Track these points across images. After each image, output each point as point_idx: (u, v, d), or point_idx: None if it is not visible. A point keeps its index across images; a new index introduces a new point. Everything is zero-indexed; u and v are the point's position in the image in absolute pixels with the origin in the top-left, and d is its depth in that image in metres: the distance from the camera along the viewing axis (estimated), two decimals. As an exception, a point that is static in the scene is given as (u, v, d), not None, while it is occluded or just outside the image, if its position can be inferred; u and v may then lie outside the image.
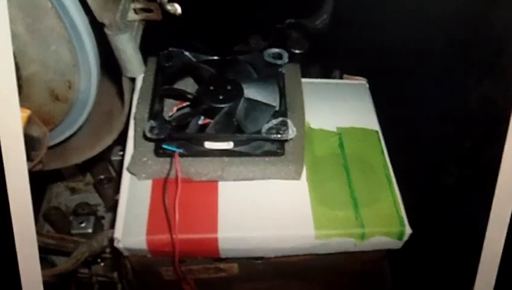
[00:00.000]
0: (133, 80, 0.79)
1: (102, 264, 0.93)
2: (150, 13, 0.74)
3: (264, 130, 0.67)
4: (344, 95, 0.85)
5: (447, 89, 0.80)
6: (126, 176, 0.70)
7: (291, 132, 0.67)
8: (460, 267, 0.70)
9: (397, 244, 0.69)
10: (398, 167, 0.74)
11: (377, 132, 0.79)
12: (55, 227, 0.97)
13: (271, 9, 0.95)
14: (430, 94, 0.83)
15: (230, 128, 0.69)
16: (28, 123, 0.66)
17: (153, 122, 0.66)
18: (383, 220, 0.68)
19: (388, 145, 0.77)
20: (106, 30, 0.69)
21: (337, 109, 0.82)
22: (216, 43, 0.91)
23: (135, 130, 0.72)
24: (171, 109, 0.73)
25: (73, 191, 1.09)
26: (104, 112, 0.84)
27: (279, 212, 0.67)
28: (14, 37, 0.56)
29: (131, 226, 0.65)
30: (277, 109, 0.71)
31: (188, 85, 0.77)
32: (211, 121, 0.69)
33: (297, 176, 0.70)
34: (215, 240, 0.65)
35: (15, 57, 0.60)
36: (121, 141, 0.80)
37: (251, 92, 0.71)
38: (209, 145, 0.68)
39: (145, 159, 0.68)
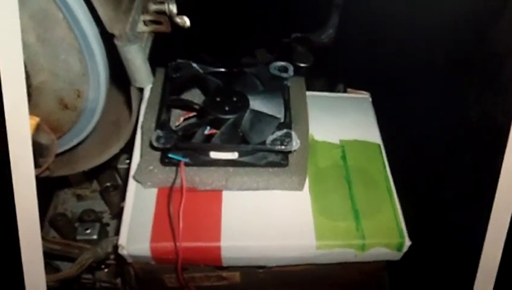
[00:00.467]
0: (141, 90, 0.80)
1: (106, 270, 0.92)
2: (159, 25, 0.75)
3: (268, 141, 0.67)
4: (347, 109, 0.85)
5: (447, 104, 0.81)
6: (132, 184, 0.71)
7: (295, 143, 0.67)
8: (458, 279, 0.70)
9: (396, 255, 0.70)
10: (399, 180, 0.74)
11: (379, 145, 0.79)
12: (61, 233, 0.97)
13: (277, 24, 0.96)
14: (431, 109, 0.84)
15: (235, 139, 0.69)
16: (37, 130, 0.66)
17: (159, 132, 0.67)
18: (383, 232, 0.68)
19: (390, 158, 0.78)
20: (116, 41, 0.69)
21: (341, 122, 0.82)
22: (223, 55, 0.92)
23: (142, 139, 0.73)
24: (178, 119, 0.74)
25: (79, 197, 1.09)
26: (111, 121, 0.84)
27: (281, 222, 0.68)
28: (25, 46, 0.57)
29: (136, 233, 0.66)
30: (282, 121, 0.71)
31: (195, 96, 0.78)
32: (217, 131, 0.69)
33: (300, 187, 0.71)
34: (218, 248, 0.65)
35: (25, 66, 0.59)
36: (127, 149, 0.81)
37: (256, 104, 0.72)
38: (214, 155, 0.69)
39: (151, 167, 0.69)
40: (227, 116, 0.70)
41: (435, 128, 0.85)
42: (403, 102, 0.91)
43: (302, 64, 0.93)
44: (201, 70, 0.76)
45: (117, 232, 0.67)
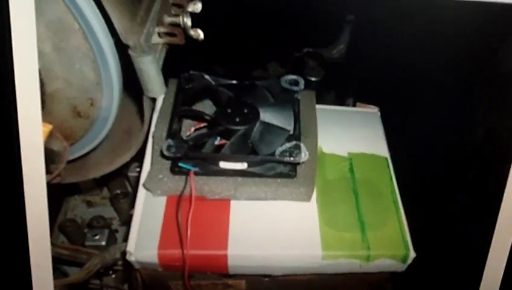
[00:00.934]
0: (153, 100, 0.80)
1: (113, 276, 0.93)
2: (173, 37, 0.76)
3: (277, 152, 0.68)
4: (356, 122, 0.86)
5: (455, 119, 0.81)
6: (142, 192, 0.71)
7: (304, 155, 0.68)
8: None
9: (401, 267, 0.70)
10: (406, 193, 0.75)
11: (386, 158, 0.80)
12: (70, 238, 0.98)
13: (290, 38, 0.97)
14: (439, 124, 0.84)
15: (245, 149, 0.70)
16: (49, 137, 0.66)
17: (170, 141, 0.67)
18: (388, 244, 0.69)
19: (397, 171, 0.78)
20: (130, 52, 0.71)
21: (349, 135, 0.83)
22: (235, 68, 0.93)
23: (153, 148, 0.73)
24: (189, 129, 0.75)
25: (89, 204, 1.10)
26: (123, 130, 0.85)
27: (288, 232, 0.68)
28: (41, 54, 0.58)
29: (144, 240, 0.66)
30: (291, 133, 0.72)
31: (206, 107, 0.78)
32: (227, 142, 0.70)
33: (307, 198, 0.72)
34: (225, 256, 0.66)
35: (40, 74, 0.61)
36: (138, 157, 0.81)
37: (267, 116, 0.73)
38: (223, 165, 0.69)
39: (161, 176, 0.70)
40: (238, 127, 0.70)
41: (441, 143, 0.85)
42: (411, 117, 0.92)
43: (312, 78, 0.94)
44: (213, 82, 0.77)
45: (125, 238, 0.67)
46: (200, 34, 0.71)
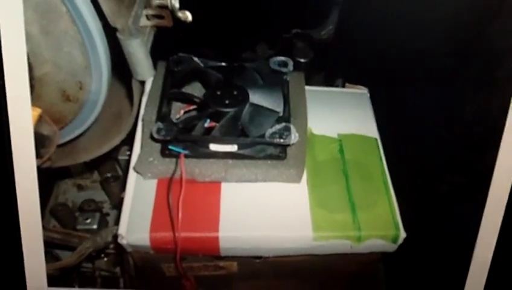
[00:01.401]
0: (142, 83, 0.80)
1: (105, 259, 0.93)
2: (161, 20, 0.76)
3: (267, 134, 0.68)
4: (346, 103, 0.86)
5: (444, 99, 0.82)
6: (132, 175, 0.71)
7: (294, 137, 0.68)
8: (452, 271, 0.71)
9: (392, 247, 0.70)
10: (395, 174, 0.75)
11: (376, 139, 0.80)
12: (61, 222, 0.98)
13: (278, 20, 0.97)
14: (428, 104, 0.84)
15: (235, 131, 0.70)
16: (39, 122, 0.66)
17: (160, 124, 0.67)
18: (378, 224, 0.69)
19: (386, 152, 0.78)
20: (118, 35, 0.70)
21: (339, 116, 0.83)
22: (224, 50, 0.92)
23: (143, 131, 0.73)
24: (179, 111, 0.75)
25: (80, 188, 1.09)
26: (113, 113, 0.85)
27: (279, 213, 0.69)
28: (28, 38, 0.57)
29: (135, 223, 0.66)
30: (281, 114, 0.72)
31: (195, 89, 0.78)
32: (217, 124, 0.70)
33: (297, 180, 0.72)
34: (216, 238, 0.66)
35: (28, 58, 0.60)
36: (128, 141, 0.81)
37: (256, 97, 0.73)
38: (214, 147, 0.69)
39: (151, 159, 0.70)
40: (227, 110, 0.70)
41: (431, 124, 0.85)
42: (400, 97, 0.92)
43: (301, 60, 0.93)
44: (202, 64, 0.77)
45: (117, 222, 0.67)
46: (188, 16, 0.70)
